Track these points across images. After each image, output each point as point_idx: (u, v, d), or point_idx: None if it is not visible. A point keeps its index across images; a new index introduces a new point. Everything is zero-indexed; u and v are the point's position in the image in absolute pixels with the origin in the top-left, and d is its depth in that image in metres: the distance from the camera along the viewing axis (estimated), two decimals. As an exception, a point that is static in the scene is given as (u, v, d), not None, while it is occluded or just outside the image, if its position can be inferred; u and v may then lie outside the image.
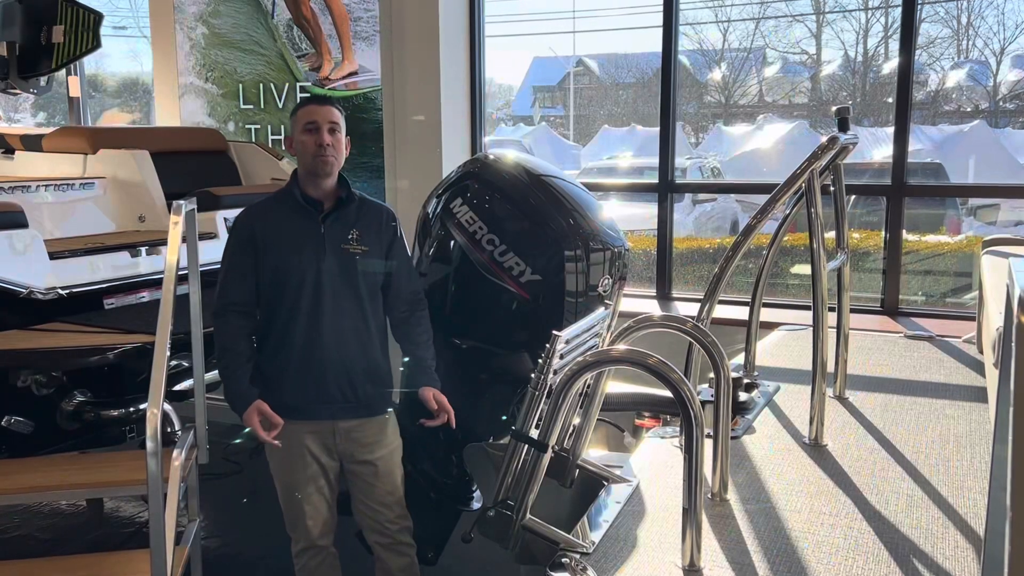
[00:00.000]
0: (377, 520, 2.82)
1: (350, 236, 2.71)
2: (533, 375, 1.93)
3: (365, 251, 2.72)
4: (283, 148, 5.16)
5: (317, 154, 2.65)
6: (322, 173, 2.68)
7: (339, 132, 2.71)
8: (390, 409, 2.85)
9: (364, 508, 2.83)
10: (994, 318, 2.11)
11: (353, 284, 2.71)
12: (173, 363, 3.23)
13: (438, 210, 3.19)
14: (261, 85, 5.26)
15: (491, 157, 3.25)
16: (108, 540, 4.01)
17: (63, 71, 5.59)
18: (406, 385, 2.82)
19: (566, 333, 2.06)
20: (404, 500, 2.85)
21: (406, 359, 2.83)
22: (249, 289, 2.70)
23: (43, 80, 5.36)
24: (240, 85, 5.32)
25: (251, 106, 5.32)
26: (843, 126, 2.60)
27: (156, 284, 3.73)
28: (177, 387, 3.59)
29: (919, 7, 4.05)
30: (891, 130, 4.12)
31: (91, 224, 4.08)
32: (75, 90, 5.87)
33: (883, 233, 4.25)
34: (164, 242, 3.57)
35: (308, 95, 2.67)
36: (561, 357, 2.00)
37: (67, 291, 3.40)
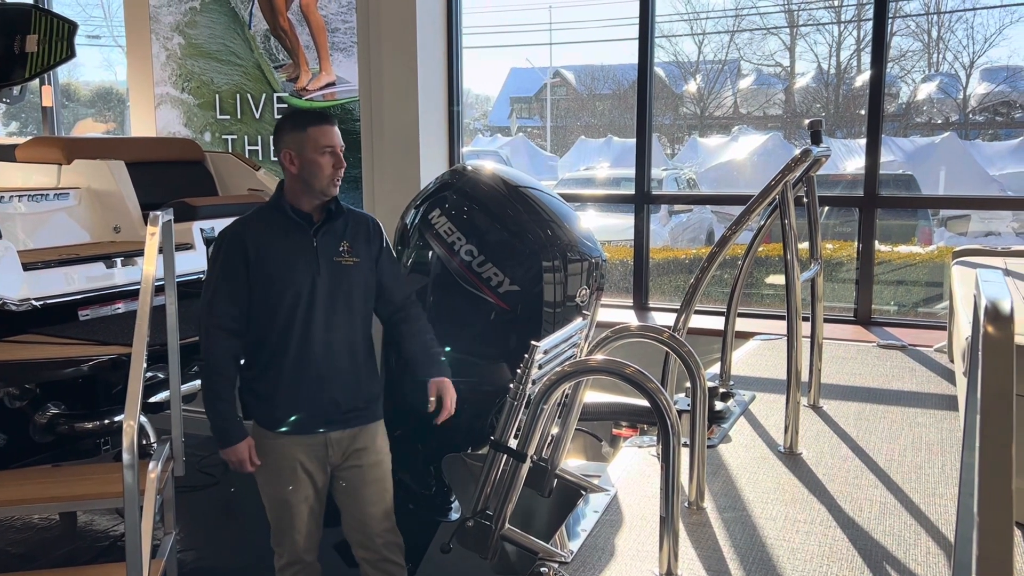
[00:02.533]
0: (365, 533, 2.79)
1: (341, 248, 2.70)
2: (512, 385, 1.95)
3: (357, 262, 2.72)
4: (274, 159, 5.14)
5: (334, 177, 2.66)
6: (331, 194, 2.68)
7: (342, 150, 2.72)
8: (380, 418, 2.84)
9: (352, 520, 2.81)
10: (963, 328, 2.15)
11: (347, 296, 2.70)
12: (149, 375, 3.21)
13: (416, 221, 3.20)
14: (238, 95, 5.25)
15: (469, 168, 3.27)
16: (82, 554, 3.97)
17: (36, 81, 5.55)
18: (417, 375, 2.78)
19: (544, 343, 2.08)
20: (394, 514, 2.82)
21: (413, 349, 2.81)
22: (241, 306, 2.66)
23: (16, 90, 5.31)
24: (217, 95, 5.31)
25: (228, 116, 5.30)
26: (816, 139, 2.64)
27: (132, 295, 3.70)
28: (153, 399, 3.56)
29: (890, 21, 4.12)
30: (863, 142, 4.18)
31: (65, 235, 4.04)
32: (48, 100, 5.83)
33: (856, 244, 4.31)
34: (140, 253, 3.56)
35: (313, 111, 2.63)
36: (539, 367, 2.01)
37: (41, 302, 3.37)
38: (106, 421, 3.44)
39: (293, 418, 2.68)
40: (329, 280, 2.67)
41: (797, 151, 2.49)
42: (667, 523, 1.74)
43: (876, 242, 4.28)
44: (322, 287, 2.65)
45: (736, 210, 2.55)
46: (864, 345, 3.66)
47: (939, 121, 13.21)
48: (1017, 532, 1.87)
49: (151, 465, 2.83)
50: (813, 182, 2.78)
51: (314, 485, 2.74)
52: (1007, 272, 2.85)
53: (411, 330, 2.83)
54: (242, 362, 2.74)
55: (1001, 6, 12.33)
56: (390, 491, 2.82)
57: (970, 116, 13.58)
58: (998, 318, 1.05)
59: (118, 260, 3.72)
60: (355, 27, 4.88)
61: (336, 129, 2.70)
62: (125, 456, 2.48)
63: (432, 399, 2.71)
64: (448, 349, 2.87)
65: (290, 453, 2.69)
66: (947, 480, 2.21)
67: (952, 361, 3.19)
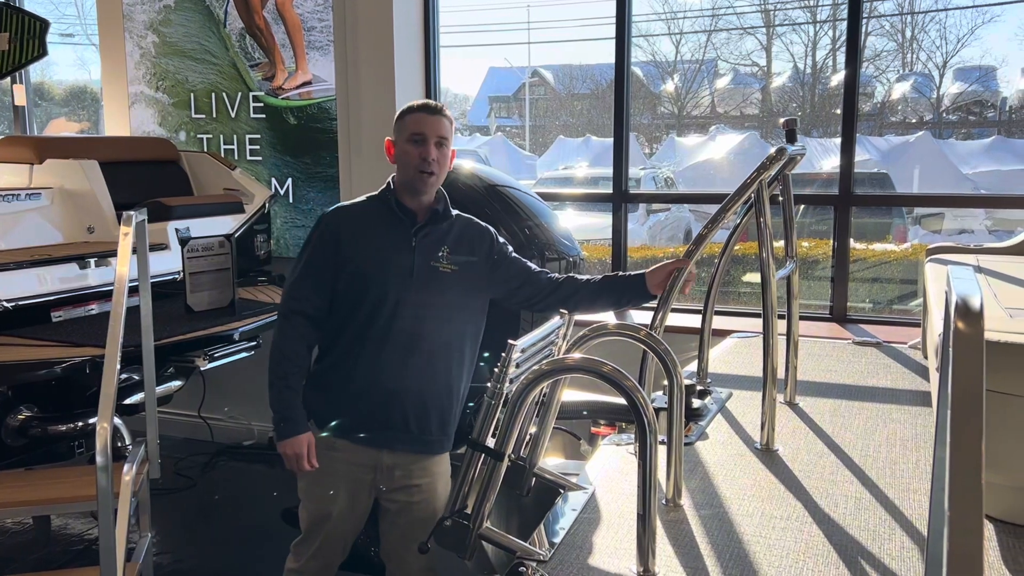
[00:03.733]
0: (402, 570, 2.61)
1: (440, 253, 2.50)
2: (489, 384, 1.94)
3: (455, 270, 2.51)
4: (251, 159, 5.11)
5: (420, 167, 2.46)
6: (421, 189, 2.49)
7: (447, 146, 2.51)
8: (447, 451, 2.64)
9: (391, 552, 2.63)
10: (937, 324, 2.18)
11: (440, 306, 2.49)
12: (123, 376, 3.18)
13: (393, 220, 3.19)
14: (213, 94, 5.21)
15: (446, 167, 3.26)
16: (55, 559, 3.92)
17: (8, 79, 5.48)
18: (627, 295, 2.59)
19: (521, 342, 2.08)
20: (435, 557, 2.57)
21: (601, 292, 2.59)
22: (324, 294, 2.48)
23: (-13, 88, 5.25)
24: (192, 94, 5.27)
25: (203, 116, 5.26)
26: (791, 137, 2.66)
27: (105, 296, 3.67)
28: (127, 401, 3.53)
29: (865, 21, 4.16)
30: (839, 141, 4.22)
31: (38, 235, 4.00)
32: (20, 99, 5.76)
33: (831, 242, 4.34)
34: (113, 253, 3.52)
35: (427, 102, 2.52)
36: (517, 366, 2.01)
37: (13, 304, 3.33)
38: (80, 424, 3.40)
39: (349, 423, 2.51)
40: (422, 284, 2.47)
41: (772, 150, 2.50)
42: (645, 520, 1.74)
43: (851, 240, 4.32)
44: (413, 290, 2.46)
45: (713, 208, 2.56)
46: (839, 342, 3.69)
47: (913, 120, 13.36)
48: (989, 526, 1.89)
49: (125, 467, 2.80)
50: (788, 180, 2.80)
51: (353, 503, 2.55)
52: (979, 269, 2.88)
53: (574, 287, 2.59)
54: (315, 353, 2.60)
55: (973, 7, 12.50)
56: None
57: (944, 115, 13.75)
58: (968, 314, 1.06)
59: (91, 261, 3.69)
60: (331, 25, 4.86)
61: (435, 118, 2.49)
62: (99, 458, 2.46)
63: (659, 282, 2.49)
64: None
65: (339, 458, 2.51)
66: (921, 475, 2.23)
67: (926, 357, 3.22)
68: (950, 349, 1.11)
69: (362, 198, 2.62)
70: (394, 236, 2.50)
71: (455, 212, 2.61)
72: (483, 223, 2.67)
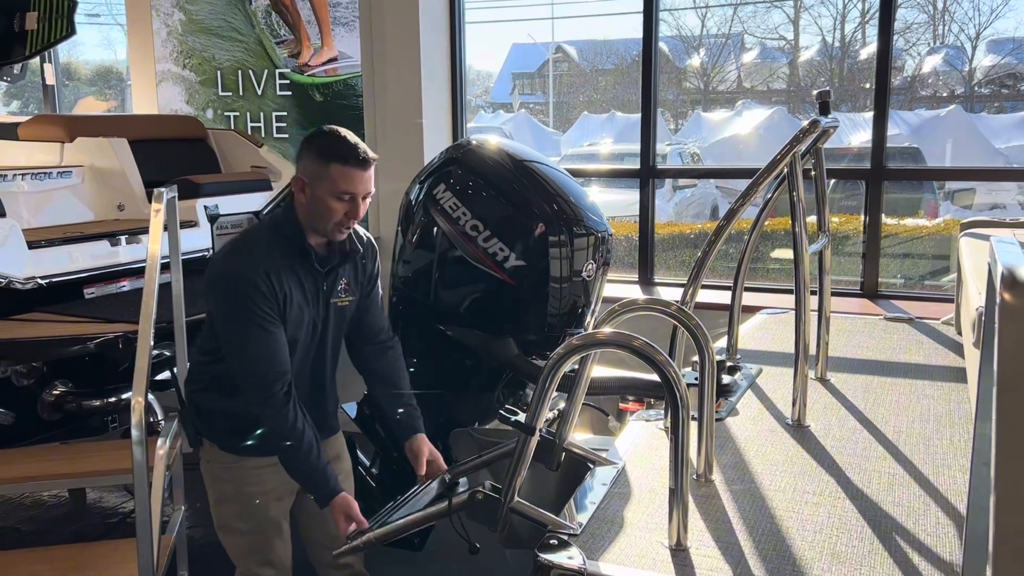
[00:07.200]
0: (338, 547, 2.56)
1: (339, 287, 2.45)
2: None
3: (352, 300, 2.50)
4: (278, 136, 5.12)
5: (342, 224, 2.31)
6: (335, 239, 2.36)
7: (369, 196, 2.35)
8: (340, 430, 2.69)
9: (324, 537, 2.57)
10: (973, 298, 2.14)
11: (336, 335, 2.50)
12: (155, 352, 3.22)
13: (421, 196, 3.18)
14: (240, 72, 5.22)
15: (474, 143, 3.25)
16: (91, 531, 3.99)
17: (37, 59, 5.51)
18: (397, 434, 2.61)
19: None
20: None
21: (388, 400, 2.62)
22: (285, 352, 2.30)
23: (16, 68, 5.28)
24: (218, 72, 5.28)
25: (230, 93, 5.27)
26: (824, 109, 2.61)
27: (136, 273, 3.71)
28: (158, 377, 3.57)
29: (897, -8, 4.07)
30: (869, 115, 4.15)
31: (69, 213, 4.05)
32: (50, 78, 5.80)
33: (862, 217, 4.29)
34: (144, 231, 3.56)
35: (349, 143, 2.27)
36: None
37: (46, 281, 3.37)
38: (113, 399, 3.46)
39: (258, 437, 2.44)
40: (328, 324, 2.45)
41: (805, 122, 2.46)
42: (676, 495, 1.74)
43: (883, 215, 4.26)
44: (319, 330, 2.44)
45: (742, 184, 2.52)
46: (871, 318, 3.65)
47: (944, 94, 13.12)
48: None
49: (159, 441, 2.84)
50: (821, 154, 2.76)
51: (283, 507, 2.56)
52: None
53: (392, 375, 2.61)
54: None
55: (1008, -24, 12.21)
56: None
57: (976, 89, 13.48)
58: (1015, 284, 1.03)
59: (122, 238, 3.73)
60: (356, 1, 4.84)
61: (368, 174, 2.29)
62: (134, 431, 2.49)
63: (423, 463, 2.49)
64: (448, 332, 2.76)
65: (262, 477, 2.47)
66: (956, 452, 2.20)
67: (960, 333, 3.18)
68: (995, 321, 1.09)
69: (263, 240, 2.36)
70: (310, 282, 2.38)
71: (355, 237, 2.47)
72: (372, 241, 2.57)
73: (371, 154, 2.32)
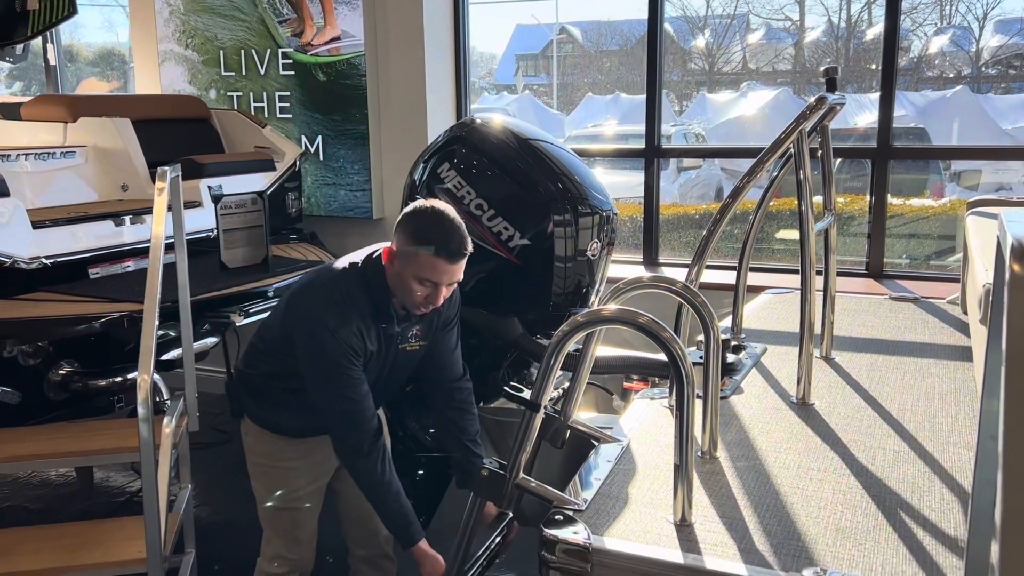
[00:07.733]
0: (370, 528, 2.70)
1: (410, 333, 2.50)
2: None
3: (422, 346, 2.55)
4: (281, 116, 5.10)
5: (420, 306, 2.36)
6: (414, 313, 2.41)
7: (455, 284, 2.39)
8: None
9: (358, 514, 2.68)
10: (980, 275, 2.13)
11: (397, 376, 2.59)
12: (160, 333, 3.22)
13: (424, 176, 3.18)
14: (242, 51, 5.19)
15: (478, 121, 3.24)
16: (98, 509, 4.02)
17: (39, 39, 5.49)
18: (454, 474, 2.70)
19: None
20: None
21: (453, 445, 2.67)
22: (372, 408, 2.40)
23: (19, 48, 5.27)
24: (221, 52, 5.25)
25: (232, 73, 5.25)
26: (831, 87, 2.59)
27: (141, 253, 3.71)
28: (163, 357, 3.58)
29: (904, -30, 4.04)
30: (875, 96, 4.12)
31: (73, 193, 4.04)
32: (53, 58, 5.78)
33: (868, 197, 4.27)
34: (148, 211, 3.55)
35: (449, 229, 2.26)
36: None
37: (51, 260, 3.38)
38: (119, 379, 3.46)
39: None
40: (395, 366, 2.51)
41: (812, 99, 2.45)
42: (681, 471, 1.74)
43: (888, 195, 4.24)
44: (385, 373, 2.50)
45: (747, 164, 2.51)
46: (876, 298, 3.64)
47: (951, 75, 13.03)
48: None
49: (165, 420, 2.85)
50: (827, 131, 2.74)
51: (320, 488, 2.65)
52: None
53: (454, 412, 2.65)
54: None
55: (1016, -45, 12.08)
56: None
57: (983, 69, 13.38)
58: (1024, 257, 1.03)
59: (127, 218, 3.73)
60: (360, -20, 4.81)
61: (456, 267, 2.30)
62: (140, 409, 2.50)
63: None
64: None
65: (299, 449, 2.58)
66: (961, 429, 2.20)
67: (965, 313, 3.17)
68: (1004, 295, 1.09)
69: (350, 298, 2.36)
70: (387, 332, 2.43)
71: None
72: (457, 297, 2.60)
73: (466, 246, 2.32)
